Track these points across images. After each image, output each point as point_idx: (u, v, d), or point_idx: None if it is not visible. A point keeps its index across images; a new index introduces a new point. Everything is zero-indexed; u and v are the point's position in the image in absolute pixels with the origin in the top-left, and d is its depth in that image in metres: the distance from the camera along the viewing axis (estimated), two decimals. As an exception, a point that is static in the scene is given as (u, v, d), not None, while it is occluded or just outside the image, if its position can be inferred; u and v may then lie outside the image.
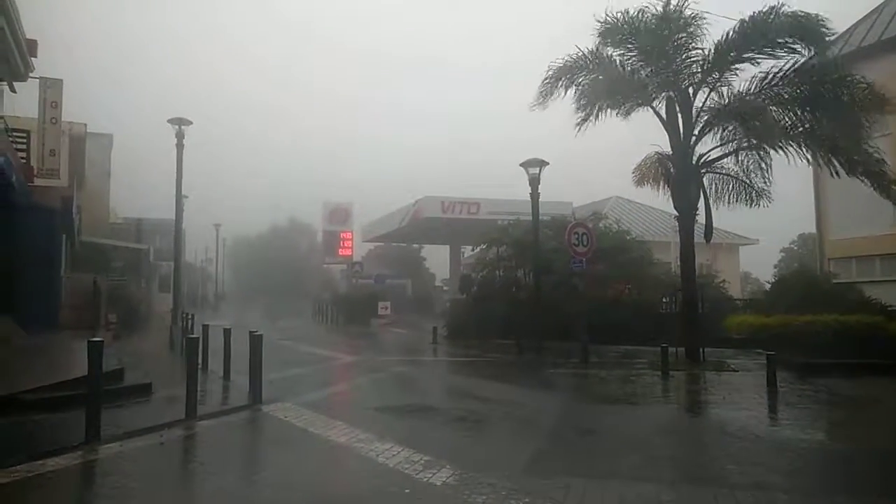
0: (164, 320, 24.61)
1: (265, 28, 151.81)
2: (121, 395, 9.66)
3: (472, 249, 36.60)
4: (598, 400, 11.38)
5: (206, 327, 14.80)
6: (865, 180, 14.21)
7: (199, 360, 12.99)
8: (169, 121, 19.96)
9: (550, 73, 16.36)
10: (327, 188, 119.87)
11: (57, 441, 7.22)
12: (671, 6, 15.24)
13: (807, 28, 14.21)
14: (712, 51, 15.08)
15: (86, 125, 25.05)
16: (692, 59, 15.47)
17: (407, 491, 5.77)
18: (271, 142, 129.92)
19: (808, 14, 14.20)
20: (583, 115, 16.41)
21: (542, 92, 16.57)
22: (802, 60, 14.56)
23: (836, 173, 14.32)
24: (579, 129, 16.52)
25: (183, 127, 19.84)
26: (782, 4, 14.28)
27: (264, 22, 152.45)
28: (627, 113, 16.37)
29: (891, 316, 15.63)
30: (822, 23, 14.29)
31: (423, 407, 10.27)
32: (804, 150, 14.52)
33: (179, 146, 19.95)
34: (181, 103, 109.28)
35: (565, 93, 16.39)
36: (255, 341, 10.48)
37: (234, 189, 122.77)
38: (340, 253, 50.86)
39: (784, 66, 14.65)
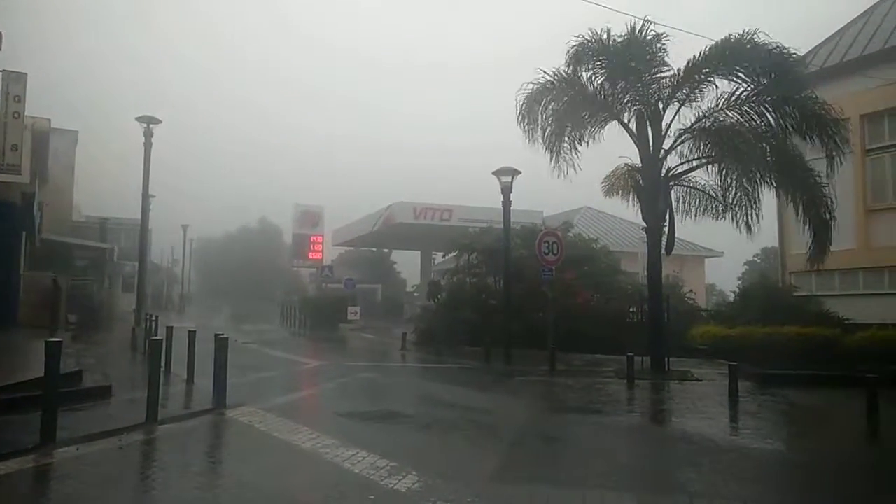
0: (126, 321, 24.07)
1: (241, 26, 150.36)
2: (79, 398, 9.41)
3: (444, 256, 36.70)
4: (565, 408, 11.46)
5: (170, 329, 14.51)
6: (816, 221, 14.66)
7: (162, 363, 12.75)
8: (137, 118, 19.60)
9: (523, 103, 16.52)
10: (298, 191, 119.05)
11: (9, 444, 6.99)
12: (640, 25, 15.56)
13: (772, 58, 14.60)
14: (682, 68, 15.40)
15: (49, 120, 24.42)
16: (662, 75, 15.78)
17: (371, 497, 5.73)
18: (242, 142, 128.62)
19: (778, 45, 14.59)
20: (554, 157, 16.58)
21: (521, 121, 16.69)
22: (764, 86, 14.96)
23: (796, 205, 14.73)
24: (555, 164, 16.66)
25: (151, 125, 19.48)
26: (755, 32, 14.67)
27: (240, 19, 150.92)
28: (601, 128, 16.59)
29: (847, 329, 16.11)
30: (787, 55, 14.70)
31: (390, 413, 10.22)
32: (770, 177, 14.88)
33: (147, 144, 19.60)
34: (150, 102, 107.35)
35: (541, 118, 16.53)
36: (221, 344, 10.31)
37: (203, 189, 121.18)
38: (310, 256, 50.39)
39: (749, 89, 15.05)
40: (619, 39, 15.61)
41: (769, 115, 15.02)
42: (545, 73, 16.24)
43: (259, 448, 7.67)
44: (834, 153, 14.60)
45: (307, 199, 58.35)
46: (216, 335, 10.55)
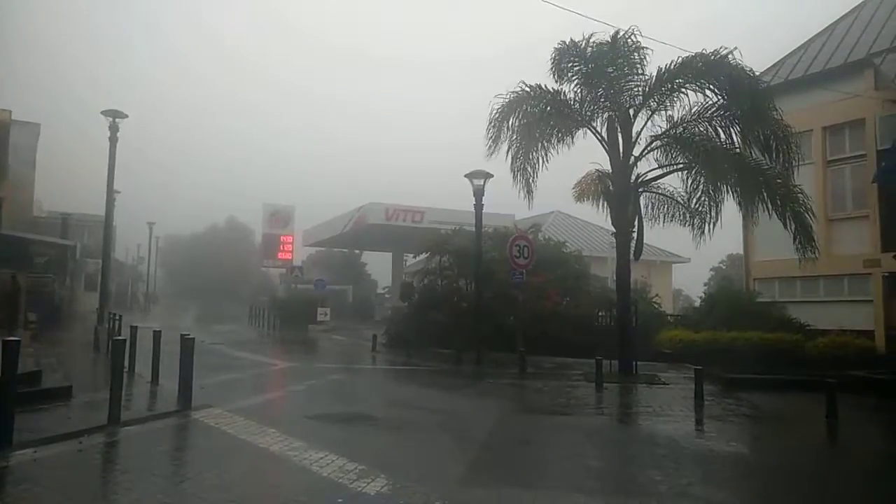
0: (89, 320, 23.47)
1: (215, 19, 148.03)
2: (38, 399, 9.15)
3: (415, 257, 36.65)
4: (534, 410, 11.53)
5: (134, 329, 14.20)
6: (790, 222, 15.00)
7: (126, 364, 12.47)
8: (103, 112, 19.11)
9: (495, 114, 16.64)
10: (269, 190, 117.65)
11: (-37, 447, 6.75)
12: (619, 35, 15.77)
13: (735, 76, 14.98)
14: (654, 78, 15.67)
15: (10, 112, 23.75)
16: (635, 84, 16.02)
17: (340, 500, 5.69)
18: (212, 141, 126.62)
19: (741, 66, 14.97)
20: (519, 175, 16.76)
21: (489, 136, 16.82)
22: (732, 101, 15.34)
23: (767, 209, 15.08)
24: (519, 184, 16.83)
25: (117, 120, 19.03)
26: (731, 50, 15.05)
27: (214, 13, 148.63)
28: (571, 136, 16.77)
29: (809, 335, 16.55)
30: (749, 74, 15.11)
31: (359, 415, 10.15)
32: (736, 188, 15.22)
33: (113, 139, 19.10)
34: (117, 96, 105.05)
35: (511, 134, 16.63)
36: (187, 344, 10.13)
37: (171, 187, 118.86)
38: (280, 256, 49.83)
39: (719, 102, 15.43)
40: (597, 47, 15.81)
41: (735, 129, 15.43)
42: (525, 85, 16.40)
43: (225, 451, 7.54)
44: (792, 167, 15.08)
45: (278, 199, 57.61)
46: (182, 335, 10.36)
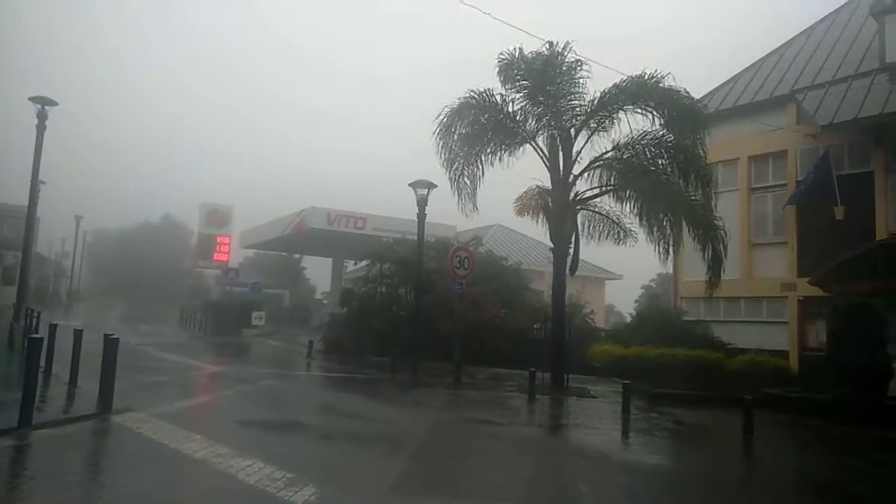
0: (4, 317, 22.13)
1: (142, 10, 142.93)
2: (-60, 399, 8.56)
3: (356, 264, 36.33)
4: (467, 421, 11.62)
5: (53, 327, 13.48)
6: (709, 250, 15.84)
7: (42, 363, 11.85)
8: (31, 99, 18.16)
9: (444, 119, 16.77)
10: (209, 190, 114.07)
11: None
12: (556, 50, 16.23)
13: (676, 101, 15.71)
14: (596, 98, 16.20)
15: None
16: (576, 103, 16.50)
17: (265, 510, 5.58)
18: (150, 136, 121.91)
19: (679, 91, 15.71)
20: (455, 186, 16.99)
21: (439, 145, 16.96)
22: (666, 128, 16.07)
23: (697, 235, 15.84)
24: (458, 196, 17.09)
25: (46, 107, 18.12)
26: (665, 75, 15.75)
27: (153, 6, 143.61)
28: (512, 151, 17.10)
29: (730, 353, 17.34)
30: (688, 99, 15.86)
31: (290, 422, 9.98)
32: (665, 213, 15.91)
33: (40, 127, 18.15)
34: (47, 83, 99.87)
35: (454, 142, 16.84)
36: (110, 345, 9.72)
37: (102, 181, 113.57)
38: (215, 257, 48.31)
39: (655, 128, 16.15)
40: (537, 61, 16.22)
41: (664, 157, 16.16)
42: (472, 92, 16.59)
43: (146, 457, 7.26)
44: (709, 196, 15.98)
45: (219, 199, 55.96)
46: (105, 335, 9.92)
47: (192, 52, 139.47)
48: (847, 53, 18.85)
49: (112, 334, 10.14)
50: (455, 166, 16.86)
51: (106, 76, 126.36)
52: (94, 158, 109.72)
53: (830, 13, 21.61)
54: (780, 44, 21.85)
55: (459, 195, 17.04)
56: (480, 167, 16.94)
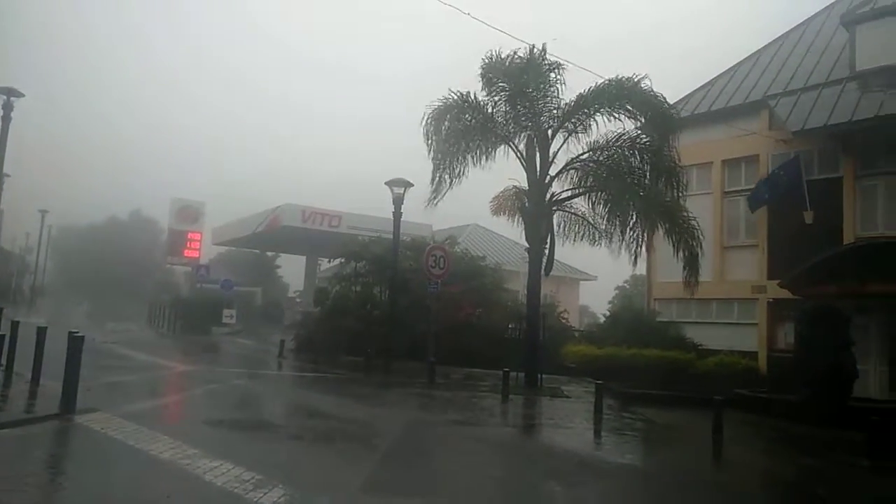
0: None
1: (125, 3, 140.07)
2: None
3: (330, 262, 36.02)
4: (440, 421, 11.56)
5: (15, 324, 13.07)
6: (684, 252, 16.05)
7: (4, 361, 11.51)
8: (-5, 88, 17.63)
9: (429, 119, 16.72)
10: (180, 187, 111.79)
11: None
12: (536, 53, 16.28)
13: (652, 104, 15.87)
14: (573, 100, 16.26)
15: None
16: (553, 105, 16.56)
17: (233, 512, 5.45)
18: (120, 130, 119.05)
19: (656, 94, 15.89)
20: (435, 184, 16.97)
21: (428, 143, 16.89)
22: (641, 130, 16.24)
23: (670, 239, 16.02)
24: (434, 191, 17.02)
25: (12, 98, 17.61)
26: (643, 77, 15.88)
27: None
28: (490, 152, 17.11)
29: (701, 354, 17.57)
30: (663, 103, 16.04)
31: (259, 423, 9.82)
32: (638, 215, 16.06)
33: (6, 119, 17.65)
34: (13, 74, 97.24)
35: (435, 142, 16.82)
36: (74, 342, 9.42)
37: (69, 175, 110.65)
38: (186, 254, 47.49)
39: (631, 131, 16.30)
40: (518, 62, 16.25)
41: (638, 158, 16.32)
42: (453, 93, 16.59)
43: (110, 458, 7.06)
44: (679, 199, 16.24)
45: (192, 195, 54.93)
46: (70, 332, 9.63)
47: (166, 43, 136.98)
48: (818, 61, 19.22)
49: (77, 331, 9.84)
50: (435, 163, 16.78)
51: (73, 68, 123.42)
52: (60, 153, 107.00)
53: (802, 22, 22.01)
54: (752, 51, 22.21)
55: (437, 189, 16.95)
56: (461, 166, 16.90)
